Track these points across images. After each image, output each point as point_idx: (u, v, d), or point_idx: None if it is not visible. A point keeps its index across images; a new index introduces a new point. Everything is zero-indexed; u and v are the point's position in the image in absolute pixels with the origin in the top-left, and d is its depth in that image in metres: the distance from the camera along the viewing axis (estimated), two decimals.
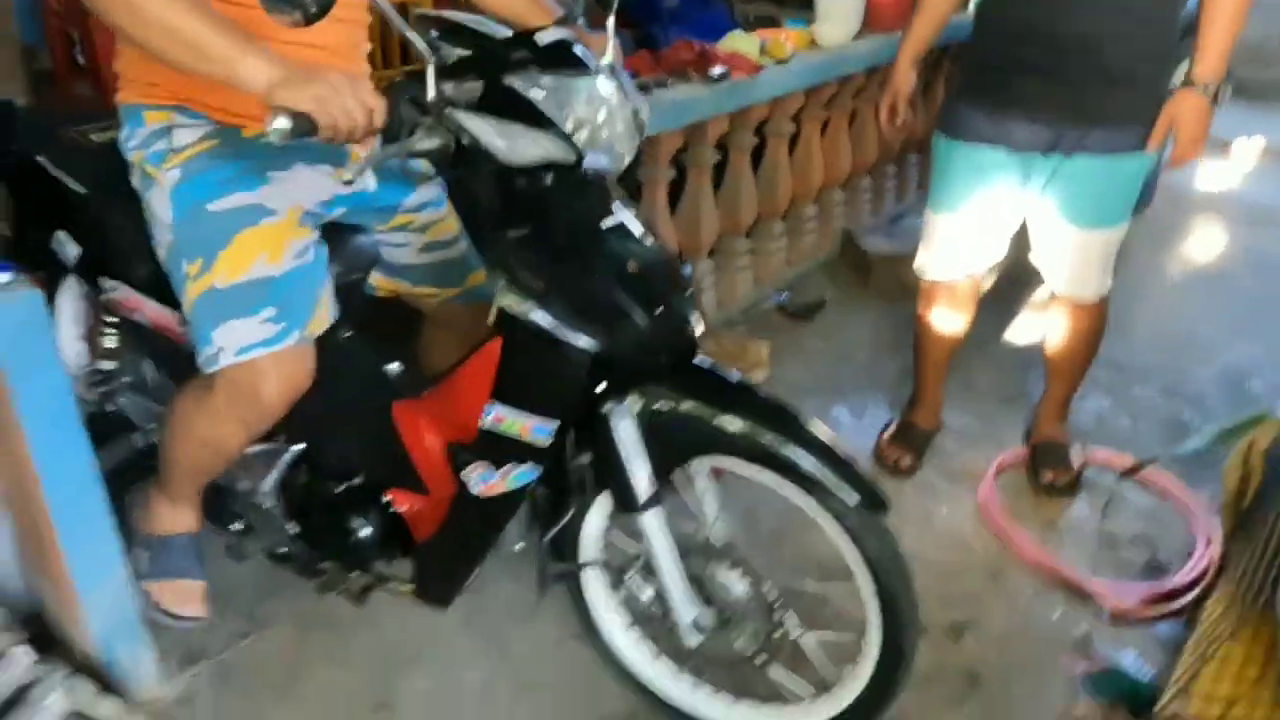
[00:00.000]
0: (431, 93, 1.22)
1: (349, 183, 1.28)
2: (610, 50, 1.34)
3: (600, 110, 1.27)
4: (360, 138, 1.18)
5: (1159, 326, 3.25)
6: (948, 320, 2.35)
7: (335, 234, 1.59)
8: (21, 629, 1.53)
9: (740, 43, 2.79)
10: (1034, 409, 2.50)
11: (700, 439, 1.43)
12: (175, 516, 1.65)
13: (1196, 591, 2.01)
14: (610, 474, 1.47)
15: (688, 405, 1.41)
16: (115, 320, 1.82)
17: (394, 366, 1.67)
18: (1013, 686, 1.81)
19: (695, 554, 1.54)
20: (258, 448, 1.69)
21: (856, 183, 3.66)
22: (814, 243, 3.48)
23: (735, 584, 1.53)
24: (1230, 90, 1.91)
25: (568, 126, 1.25)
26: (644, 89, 2.40)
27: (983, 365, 2.89)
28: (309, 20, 1.10)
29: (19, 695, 1.41)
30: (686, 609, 1.51)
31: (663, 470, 1.46)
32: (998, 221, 2.16)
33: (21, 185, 1.78)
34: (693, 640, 1.53)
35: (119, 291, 1.68)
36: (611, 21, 1.37)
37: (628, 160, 1.34)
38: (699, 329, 1.43)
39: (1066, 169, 2.03)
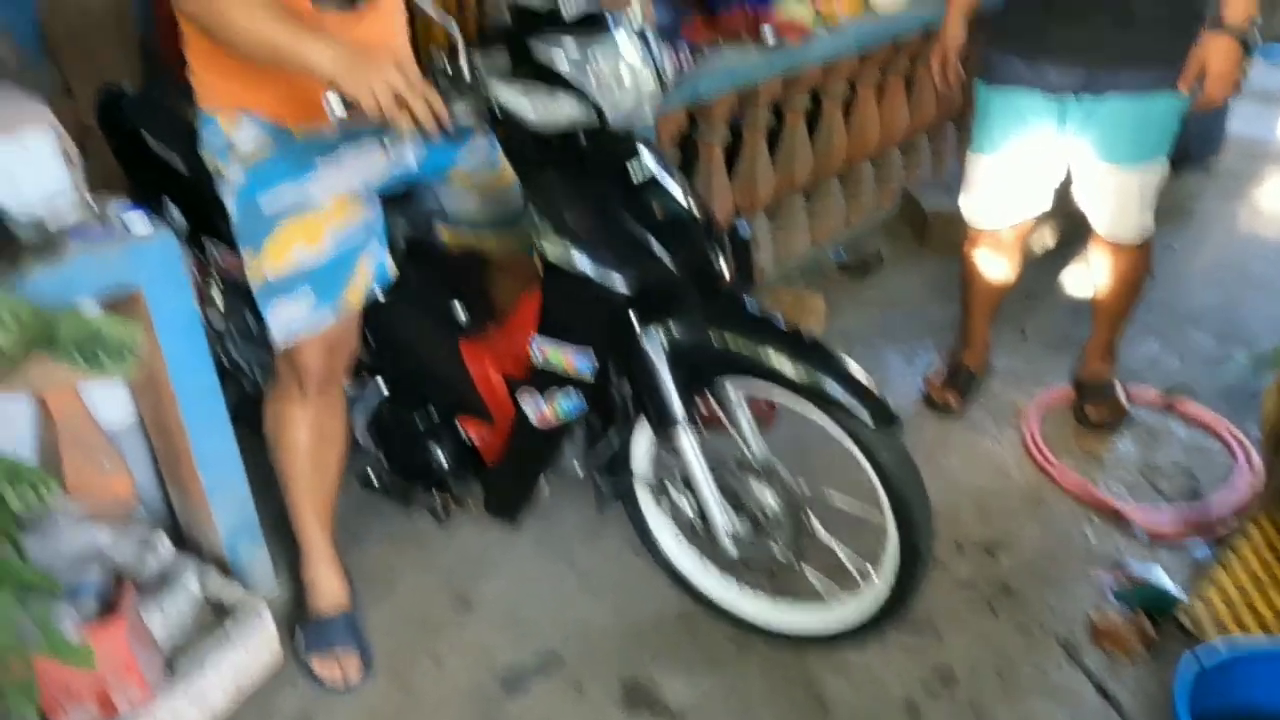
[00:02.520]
0: (465, 65, 1.38)
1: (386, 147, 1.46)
2: (638, 9, 1.51)
3: (622, 68, 1.41)
4: (408, 120, 1.29)
5: (1219, 274, 3.27)
6: (993, 266, 2.46)
7: (399, 198, 1.80)
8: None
9: (793, 8, 2.92)
10: (1080, 350, 2.58)
11: (722, 362, 1.58)
12: (324, 589, 1.81)
13: (1231, 514, 2.09)
14: (643, 397, 1.63)
15: (710, 333, 1.56)
16: (220, 279, 2.09)
17: (459, 308, 1.88)
18: (1043, 596, 1.94)
19: (733, 470, 1.71)
20: (350, 393, 1.92)
21: (915, 142, 3.75)
22: (872, 201, 3.59)
23: (767, 496, 1.69)
24: (1258, 33, 1.97)
25: (590, 85, 1.39)
26: (696, 52, 2.56)
27: (1034, 314, 2.98)
28: (353, 4, 1.28)
29: (163, 578, 1.66)
30: (722, 518, 1.67)
31: (690, 392, 1.62)
32: (1037, 166, 2.25)
33: (132, 161, 2.03)
34: (732, 549, 1.70)
35: (221, 253, 1.93)
36: None
37: (650, 116, 1.49)
38: (724, 267, 1.58)
39: (1100, 109, 2.11)
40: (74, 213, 1.53)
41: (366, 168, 1.65)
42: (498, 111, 1.41)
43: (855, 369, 1.54)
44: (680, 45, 2.54)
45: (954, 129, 3.94)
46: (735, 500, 1.71)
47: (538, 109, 1.40)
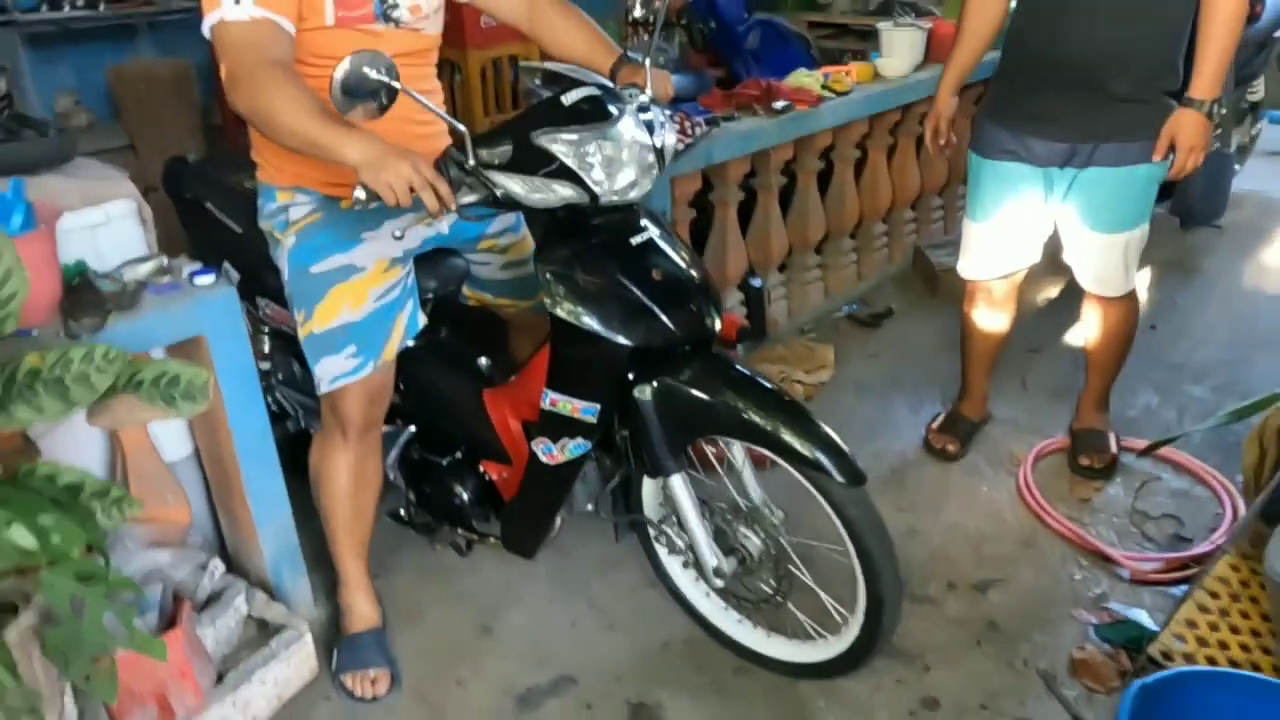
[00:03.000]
0: (470, 159, 1.56)
1: (399, 238, 1.67)
2: (649, 88, 1.71)
3: (622, 151, 1.59)
4: (425, 205, 1.48)
5: (1222, 329, 3.38)
6: (988, 318, 2.61)
7: (434, 257, 1.99)
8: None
9: (804, 79, 3.13)
10: (1076, 400, 2.70)
11: (707, 420, 1.74)
12: (358, 612, 1.99)
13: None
14: (639, 447, 1.79)
15: (696, 392, 1.71)
16: (269, 330, 2.30)
17: (483, 361, 2.06)
18: (1029, 633, 2.05)
19: (724, 513, 1.87)
20: (384, 429, 2.11)
21: (926, 202, 3.92)
22: (884, 257, 3.75)
23: (753, 539, 1.85)
24: (1223, 108, 2.13)
25: (591, 172, 1.57)
26: (713, 123, 2.77)
27: (1035, 366, 3.11)
28: (381, 113, 1.48)
29: (215, 597, 1.84)
30: (709, 556, 1.82)
31: (679, 444, 1.78)
32: (1026, 228, 2.41)
33: (194, 223, 2.26)
34: (716, 583, 1.85)
35: (270, 308, 2.14)
36: (648, 62, 1.73)
37: (648, 187, 1.66)
38: (717, 324, 1.75)
39: (1083, 179, 2.27)
40: (148, 271, 1.75)
41: (389, 242, 1.84)
42: (498, 194, 1.59)
43: (828, 430, 1.68)
44: (695, 114, 2.75)
45: (964, 189, 4.10)
46: (725, 540, 1.86)
47: (531, 193, 1.59)
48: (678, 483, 1.80)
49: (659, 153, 1.67)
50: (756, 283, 3.02)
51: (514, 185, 1.59)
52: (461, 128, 1.56)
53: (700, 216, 3.01)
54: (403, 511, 2.26)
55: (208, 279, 1.77)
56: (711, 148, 2.73)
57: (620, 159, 1.60)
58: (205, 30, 1.58)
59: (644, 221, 1.73)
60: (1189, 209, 4.16)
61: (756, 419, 1.68)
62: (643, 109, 1.69)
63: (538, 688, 1.94)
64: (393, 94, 1.48)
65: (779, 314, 3.31)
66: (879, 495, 2.49)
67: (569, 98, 1.62)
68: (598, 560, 2.27)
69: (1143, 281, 3.78)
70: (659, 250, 1.72)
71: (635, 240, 1.70)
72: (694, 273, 1.75)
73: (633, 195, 1.64)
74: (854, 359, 3.22)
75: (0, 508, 1.09)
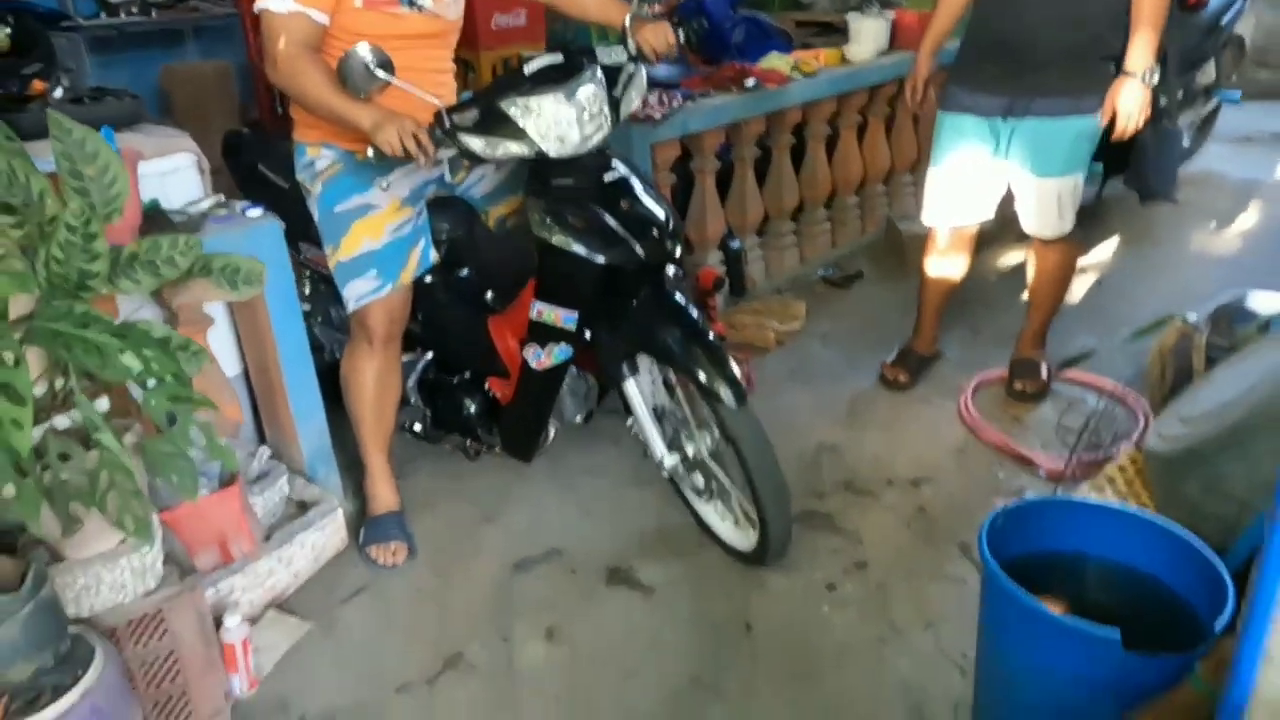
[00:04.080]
0: (445, 123, 1.92)
1: (385, 190, 2.10)
2: (631, 46, 2.08)
3: (573, 111, 1.91)
4: (413, 157, 1.88)
5: (1163, 288, 3.70)
6: (942, 264, 2.96)
7: (448, 203, 2.35)
8: None
9: (775, 61, 3.51)
10: (1016, 337, 3.04)
11: (640, 340, 2.11)
12: (380, 497, 2.37)
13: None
14: (603, 360, 2.19)
15: (639, 317, 2.08)
16: (310, 274, 2.69)
17: (489, 294, 2.43)
18: (952, 516, 2.39)
19: (676, 423, 2.23)
20: (404, 359, 2.48)
21: (898, 178, 4.27)
22: (857, 228, 4.11)
23: (691, 446, 2.21)
24: (1159, 78, 2.49)
25: (533, 131, 1.91)
26: (689, 98, 3.15)
27: (988, 318, 3.45)
28: (367, 99, 1.87)
29: (262, 476, 2.23)
30: (655, 450, 2.18)
31: (620, 357, 2.16)
32: (977, 180, 2.76)
33: (248, 183, 2.67)
34: (663, 473, 2.21)
35: (311, 252, 2.53)
36: (628, 20, 2.12)
37: (598, 139, 1.98)
38: (677, 250, 2.09)
39: (1021, 130, 2.63)
40: (209, 205, 2.14)
41: (406, 181, 2.22)
42: (466, 149, 1.96)
43: (730, 363, 2.03)
44: (674, 93, 3.13)
45: None
46: (678, 442, 2.22)
47: (488, 150, 1.95)
48: (630, 388, 2.16)
49: (615, 105, 2.02)
50: (735, 244, 3.40)
51: (475, 144, 1.95)
52: (436, 101, 1.95)
53: (684, 183, 3.39)
54: (418, 426, 2.64)
55: (257, 212, 2.17)
56: (687, 119, 3.11)
57: (564, 118, 1.92)
58: (255, 9, 1.97)
59: (614, 162, 2.10)
60: (1145, 184, 4.48)
61: (672, 345, 2.04)
62: (614, 69, 2.07)
63: (530, 558, 2.31)
64: (389, 71, 1.86)
65: (757, 273, 3.67)
66: (834, 419, 2.88)
67: (529, 67, 2.00)
68: (586, 466, 2.63)
69: (1103, 249, 4.12)
70: (628, 186, 2.09)
71: (608, 178, 2.07)
72: (658, 207, 2.10)
73: (583, 147, 1.96)
74: (824, 313, 3.57)
75: (117, 339, 1.47)
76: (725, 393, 1.99)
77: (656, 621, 2.09)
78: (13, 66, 2.86)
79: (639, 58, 2.16)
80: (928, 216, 2.91)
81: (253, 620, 2.06)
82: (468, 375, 2.53)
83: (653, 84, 3.27)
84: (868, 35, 3.79)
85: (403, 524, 2.35)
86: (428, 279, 2.33)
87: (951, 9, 2.83)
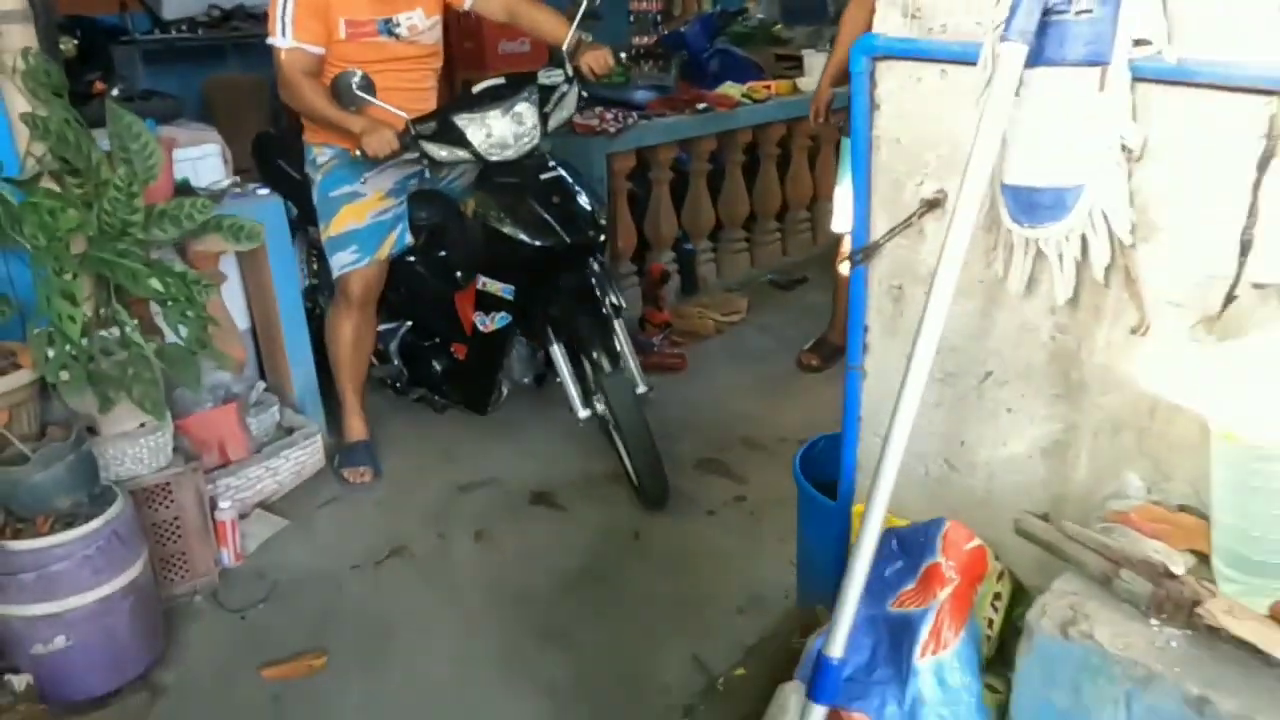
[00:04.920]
0: (411, 132, 2.44)
1: (363, 184, 2.63)
2: (568, 68, 2.57)
3: (507, 124, 2.44)
4: (386, 159, 2.45)
5: None
6: (848, 265, 3.43)
7: (428, 195, 2.85)
8: None
9: (729, 89, 4.02)
10: None
11: (550, 317, 2.59)
12: (353, 429, 2.88)
13: None
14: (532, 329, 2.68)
15: (552, 299, 2.57)
16: (317, 253, 3.23)
17: (459, 273, 2.94)
18: None
19: (593, 383, 2.66)
20: (388, 326, 3.01)
21: None
22: (808, 240, 4.60)
23: (599, 402, 2.63)
24: None
25: (473, 140, 2.43)
26: (644, 116, 3.67)
27: None
28: (358, 111, 2.39)
29: (258, 403, 2.75)
30: (574, 404, 2.62)
31: (541, 327, 2.63)
32: None
33: (271, 175, 3.21)
34: (580, 424, 2.64)
35: (316, 233, 3.06)
36: (565, 48, 2.59)
37: (528, 147, 2.48)
38: (600, 238, 2.59)
39: None
40: (228, 184, 2.69)
41: (391, 176, 2.74)
42: (425, 154, 2.49)
43: (620, 338, 2.52)
44: (630, 111, 3.66)
45: None
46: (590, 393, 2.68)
47: (442, 153, 2.46)
48: (554, 352, 2.63)
49: (544, 118, 2.51)
50: (689, 247, 3.93)
51: (432, 149, 2.48)
52: (402, 114, 2.45)
53: (645, 191, 3.91)
54: (396, 384, 3.16)
55: (265, 191, 2.71)
56: (642, 134, 3.63)
57: (496, 133, 2.45)
58: (268, 43, 2.51)
59: (552, 164, 2.59)
60: None
61: (566, 321, 2.51)
62: (548, 88, 2.55)
63: (473, 483, 2.81)
64: (370, 91, 2.38)
65: (709, 273, 4.17)
66: (752, 393, 3.35)
67: (477, 87, 2.50)
68: (534, 422, 3.13)
69: None
70: (561, 185, 2.58)
71: (543, 176, 2.56)
72: (585, 203, 2.59)
73: (516, 152, 2.48)
74: (765, 309, 4.06)
75: (146, 268, 2.00)
76: (602, 360, 2.46)
77: (565, 531, 2.58)
78: (78, 71, 3.44)
79: (575, 78, 2.64)
80: (836, 225, 3.39)
81: (242, 516, 2.57)
82: (437, 340, 3.05)
83: (627, 104, 3.81)
84: (817, 68, 4.28)
85: (371, 451, 2.86)
86: (411, 259, 2.85)
87: (852, 38, 3.30)
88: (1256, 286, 0.83)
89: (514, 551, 2.50)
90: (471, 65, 5.43)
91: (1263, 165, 0.86)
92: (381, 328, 3.04)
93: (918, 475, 1.35)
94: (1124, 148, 0.95)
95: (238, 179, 2.74)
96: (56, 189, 2.06)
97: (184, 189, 2.57)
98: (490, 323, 2.73)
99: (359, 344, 2.84)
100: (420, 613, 2.27)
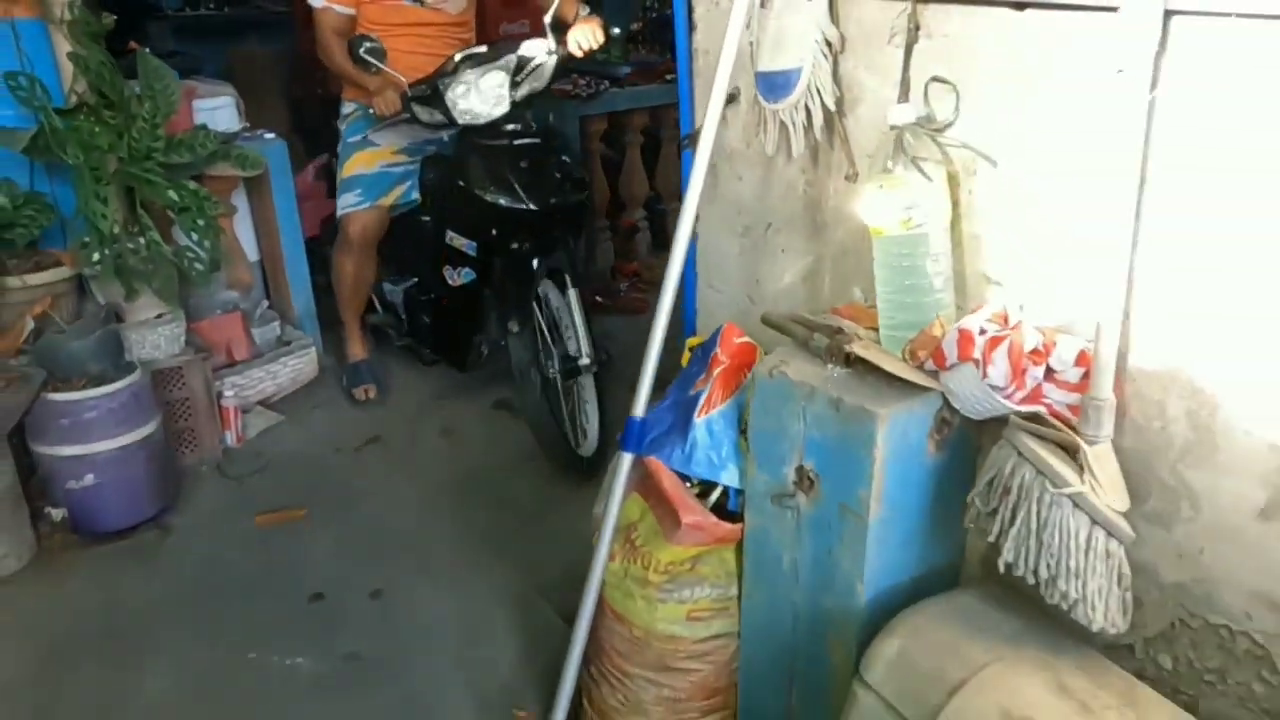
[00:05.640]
0: (407, 95, 2.69)
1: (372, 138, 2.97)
2: (551, 41, 2.88)
3: (477, 90, 2.53)
4: (391, 118, 2.78)
5: None
6: None
7: (438, 160, 3.15)
8: None
9: None
10: None
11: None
12: (354, 349, 3.25)
13: None
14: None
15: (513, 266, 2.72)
16: None
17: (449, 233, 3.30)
18: None
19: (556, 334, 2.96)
20: (398, 285, 3.38)
21: None
22: None
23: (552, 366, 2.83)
24: None
25: (451, 106, 2.55)
26: (616, 83, 4.08)
27: None
28: (376, 73, 2.75)
29: (262, 318, 3.19)
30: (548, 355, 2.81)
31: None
32: None
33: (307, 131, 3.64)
34: (550, 375, 2.69)
35: None
36: (548, 19, 2.93)
37: (497, 113, 2.55)
38: (566, 202, 2.71)
39: None
40: (239, 128, 3.13)
41: (408, 135, 3.09)
42: (415, 116, 2.75)
43: (571, 311, 2.70)
44: (601, 80, 4.07)
45: None
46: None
47: (426, 115, 2.68)
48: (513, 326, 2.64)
49: (515, 85, 2.66)
50: (660, 207, 4.33)
51: (419, 111, 2.71)
52: (401, 79, 2.72)
53: (620, 154, 4.31)
54: (392, 330, 3.53)
55: (271, 135, 3.15)
56: (614, 100, 4.04)
57: (469, 100, 2.55)
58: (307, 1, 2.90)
59: (533, 130, 2.65)
60: None
61: (516, 287, 2.64)
62: (527, 58, 2.69)
63: (446, 396, 3.23)
64: (378, 56, 2.66)
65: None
66: None
67: (459, 54, 2.62)
68: (501, 372, 3.53)
69: None
70: (535, 151, 2.64)
71: (518, 142, 2.64)
72: (555, 171, 2.65)
73: (487, 117, 2.56)
74: None
75: (165, 182, 2.45)
76: (512, 322, 2.57)
77: (518, 427, 2.98)
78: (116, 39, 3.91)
79: (558, 51, 2.60)
80: None
81: (245, 410, 3.00)
82: (431, 295, 3.41)
83: (609, 76, 4.14)
84: None
85: (372, 369, 3.23)
86: (424, 218, 3.09)
87: None
88: (892, 128, 1.22)
89: (474, 443, 2.92)
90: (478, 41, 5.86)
91: (908, 52, 1.24)
92: (390, 284, 3.32)
93: (733, 309, 1.72)
94: (827, 42, 1.34)
95: (248, 124, 3.18)
96: (94, 118, 2.51)
97: (202, 130, 3.01)
98: (458, 277, 2.88)
99: (358, 278, 3.11)
100: (388, 483, 2.70)
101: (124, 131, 2.50)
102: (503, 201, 2.58)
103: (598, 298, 3.96)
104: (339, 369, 3.31)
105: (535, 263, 2.63)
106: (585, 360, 2.73)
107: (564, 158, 2.73)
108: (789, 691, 1.44)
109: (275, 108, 5.19)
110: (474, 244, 2.77)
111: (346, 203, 3.01)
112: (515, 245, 2.64)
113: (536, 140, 2.66)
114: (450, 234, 2.84)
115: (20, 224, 2.40)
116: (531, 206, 2.57)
